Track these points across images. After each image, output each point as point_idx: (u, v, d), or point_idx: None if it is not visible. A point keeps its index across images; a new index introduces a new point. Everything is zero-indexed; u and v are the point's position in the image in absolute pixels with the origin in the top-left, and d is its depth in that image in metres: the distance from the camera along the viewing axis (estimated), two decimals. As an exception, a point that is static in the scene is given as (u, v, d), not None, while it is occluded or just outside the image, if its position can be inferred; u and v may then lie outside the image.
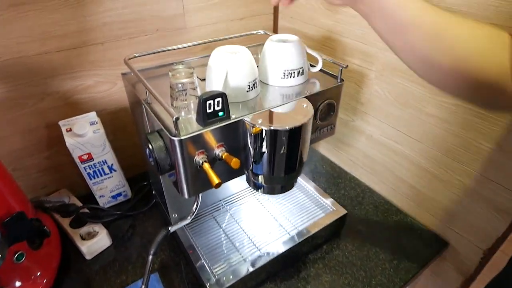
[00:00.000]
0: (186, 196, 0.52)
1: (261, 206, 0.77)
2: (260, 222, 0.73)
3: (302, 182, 0.82)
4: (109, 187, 0.80)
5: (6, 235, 0.52)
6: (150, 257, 0.53)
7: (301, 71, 0.59)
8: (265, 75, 0.59)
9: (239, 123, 0.50)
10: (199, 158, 0.48)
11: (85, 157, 0.72)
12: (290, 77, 0.58)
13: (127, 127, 0.87)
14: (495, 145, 0.60)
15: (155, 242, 0.54)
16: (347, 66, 0.58)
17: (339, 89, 0.60)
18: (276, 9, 0.96)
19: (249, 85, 0.54)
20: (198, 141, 0.47)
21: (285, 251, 0.64)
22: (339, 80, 0.61)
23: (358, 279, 0.67)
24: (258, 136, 0.50)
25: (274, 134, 0.49)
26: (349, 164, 0.93)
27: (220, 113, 0.48)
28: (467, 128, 0.63)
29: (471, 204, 0.67)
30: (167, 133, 0.46)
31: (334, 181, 0.91)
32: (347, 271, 0.68)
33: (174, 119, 0.43)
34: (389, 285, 0.66)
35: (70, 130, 0.71)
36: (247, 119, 0.50)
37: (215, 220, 0.74)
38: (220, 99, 0.47)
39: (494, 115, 0.58)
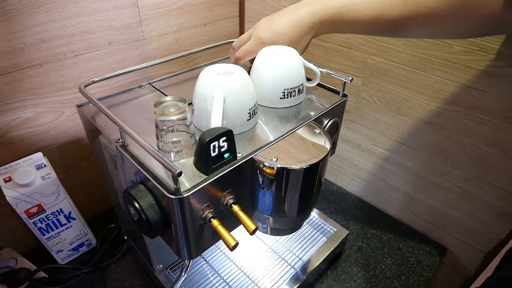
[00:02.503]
0: (187, 259, 0.41)
1: (257, 240, 0.68)
2: (259, 258, 0.65)
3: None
4: (68, 239, 0.65)
5: None
6: None
7: (301, 89, 0.51)
8: (260, 96, 0.50)
9: (246, 161, 0.41)
10: (204, 214, 0.38)
11: (34, 210, 0.57)
12: (290, 96, 0.50)
13: (82, 162, 0.72)
14: (498, 150, 0.58)
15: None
16: (352, 79, 0.52)
17: (343, 105, 0.54)
18: (241, 12, 0.87)
19: (249, 113, 0.44)
20: (203, 194, 0.37)
21: (295, 290, 0.57)
22: (341, 95, 0.54)
23: (372, 305, 0.62)
24: (271, 176, 0.41)
25: (289, 174, 0.41)
26: (334, 173, 0.88)
27: (226, 155, 0.39)
28: (468, 134, 0.60)
29: (471, 209, 0.66)
30: (162, 190, 0.36)
31: (323, 194, 0.86)
32: (359, 298, 0.63)
33: (176, 175, 0.33)
34: (403, 306, 0.62)
35: (10, 179, 0.55)
36: (257, 157, 0.41)
37: (207, 262, 0.64)
38: (225, 137, 0.37)
39: (498, 120, 0.56)
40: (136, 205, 0.38)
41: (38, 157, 0.58)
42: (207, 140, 0.36)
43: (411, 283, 0.66)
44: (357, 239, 0.74)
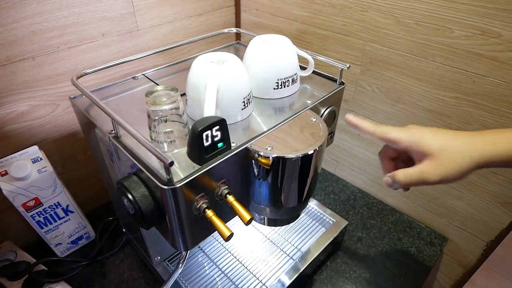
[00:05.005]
0: (183, 250, 0.41)
1: (255, 231, 0.68)
2: (257, 249, 0.64)
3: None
4: (67, 233, 0.65)
5: None
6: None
7: (295, 78, 0.50)
8: (253, 87, 0.49)
9: (241, 151, 0.40)
10: (199, 204, 0.38)
11: (31, 203, 0.57)
12: (284, 86, 0.49)
13: (78, 155, 0.72)
14: (498, 138, 0.57)
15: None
16: (349, 66, 0.51)
17: (340, 93, 0.53)
18: (237, 1, 0.86)
19: (244, 102, 0.44)
20: (196, 184, 0.36)
21: (293, 281, 0.57)
22: (338, 82, 0.53)
23: (372, 295, 0.62)
24: (266, 166, 0.40)
25: (284, 163, 0.40)
26: (333, 164, 0.88)
27: (220, 144, 0.38)
28: (470, 121, 0.59)
29: (473, 198, 0.65)
30: (155, 180, 0.35)
31: (321, 185, 0.85)
32: (358, 288, 0.63)
33: (168, 165, 0.32)
34: (403, 295, 0.62)
35: (6, 173, 0.55)
36: (252, 146, 0.40)
37: (205, 253, 0.64)
38: (218, 126, 0.37)
39: (499, 106, 0.55)
40: (130, 196, 0.38)
41: (34, 151, 0.58)
42: (200, 129, 0.35)
43: (411, 273, 0.66)
44: (356, 229, 0.74)
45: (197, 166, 0.37)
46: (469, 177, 0.63)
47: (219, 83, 0.41)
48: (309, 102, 0.48)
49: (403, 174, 0.39)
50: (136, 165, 0.38)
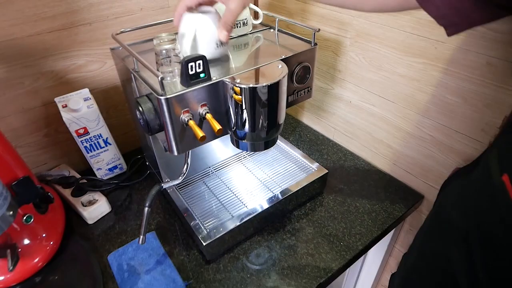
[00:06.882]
0: (176, 153, 0.57)
1: (247, 171, 0.83)
2: (247, 184, 0.79)
3: (287, 148, 0.88)
4: (106, 160, 0.85)
5: (15, 197, 0.57)
6: (146, 208, 0.59)
7: (245, 22, 0.68)
8: None
9: (220, 84, 0.55)
10: (184, 116, 0.53)
11: (81, 131, 0.77)
12: (236, 27, 0.68)
13: (119, 105, 0.92)
14: (459, 98, 0.65)
15: (149, 196, 0.60)
16: (319, 29, 0.63)
17: (313, 52, 0.65)
18: (256, -14, 1.00)
19: (217, 43, 0.58)
20: (183, 100, 0.52)
21: (270, 207, 0.70)
22: (312, 44, 0.65)
23: (339, 230, 0.73)
24: (239, 95, 0.55)
25: (253, 91, 0.54)
26: (331, 131, 0.99)
27: (202, 75, 0.53)
28: (435, 84, 0.68)
29: (442, 156, 0.73)
30: (155, 94, 0.51)
31: (318, 148, 0.96)
32: (328, 224, 0.74)
33: (159, 79, 0.48)
34: (367, 234, 0.72)
35: (66, 106, 0.75)
36: (227, 79, 0.55)
37: (206, 185, 0.80)
38: (201, 61, 0.52)
39: (457, 69, 0.63)
40: (140, 108, 0.54)
41: (85, 92, 0.78)
42: (186, 60, 0.50)
43: (380, 218, 0.75)
44: (340, 183, 0.85)
45: (185, 89, 0.52)
46: (436, 136, 0.72)
47: (197, 28, 0.56)
48: (283, 56, 0.61)
49: (224, 23, 0.54)
50: (146, 90, 0.55)
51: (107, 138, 0.82)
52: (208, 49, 0.58)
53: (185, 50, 0.59)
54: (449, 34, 0.45)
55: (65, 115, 0.74)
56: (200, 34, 0.56)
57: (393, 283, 0.67)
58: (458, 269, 0.45)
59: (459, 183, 0.56)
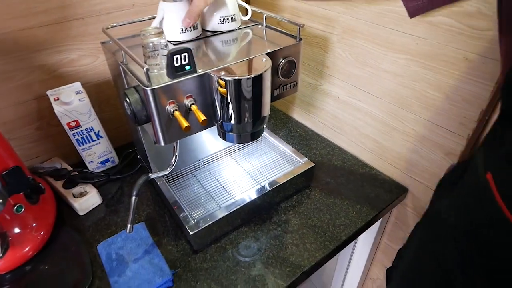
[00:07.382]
0: (162, 143, 0.58)
1: (236, 164, 0.84)
2: (235, 176, 0.81)
3: (276, 143, 0.89)
4: (97, 153, 0.86)
5: (5, 186, 0.59)
6: (133, 197, 0.60)
7: (234, 18, 0.69)
8: (205, 21, 0.69)
9: (206, 76, 0.56)
10: (170, 107, 0.55)
11: (73, 124, 0.78)
12: (225, 22, 0.69)
13: (111, 100, 0.93)
14: (440, 92, 0.67)
15: (136, 185, 0.61)
16: (304, 25, 0.65)
17: (298, 47, 0.67)
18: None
19: (182, 28, 0.63)
20: (168, 91, 0.54)
21: (256, 198, 0.72)
22: (298, 40, 0.67)
23: (324, 221, 0.75)
24: (223, 88, 0.56)
25: (237, 83, 0.56)
26: (320, 126, 1.00)
27: (187, 67, 0.55)
28: (417, 79, 0.70)
29: (424, 150, 0.75)
30: (141, 85, 0.53)
31: (307, 143, 0.98)
32: (314, 215, 0.76)
33: (145, 70, 0.50)
34: (351, 225, 0.74)
35: (58, 99, 0.77)
36: (212, 72, 0.56)
37: (195, 177, 0.82)
38: (186, 53, 0.53)
39: (437, 65, 0.65)
40: (127, 99, 0.56)
41: (77, 85, 0.79)
42: (171, 52, 0.52)
43: (364, 210, 0.77)
44: (327, 176, 0.86)
45: (170, 80, 0.54)
46: (419, 130, 0.74)
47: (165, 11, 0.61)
48: (268, 50, 0.63)
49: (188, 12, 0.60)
50: (134, 82, 0.56)
51: (98, 131, 0.84)
52: (173, 32, 0.64)
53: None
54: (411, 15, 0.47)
55: (57, 108, 0.75)
56: (167, 18, 0.62)
57: (390, 277, 0.67)
58: (453, 268, 0.46)
59: (452, 181, 0.57)
